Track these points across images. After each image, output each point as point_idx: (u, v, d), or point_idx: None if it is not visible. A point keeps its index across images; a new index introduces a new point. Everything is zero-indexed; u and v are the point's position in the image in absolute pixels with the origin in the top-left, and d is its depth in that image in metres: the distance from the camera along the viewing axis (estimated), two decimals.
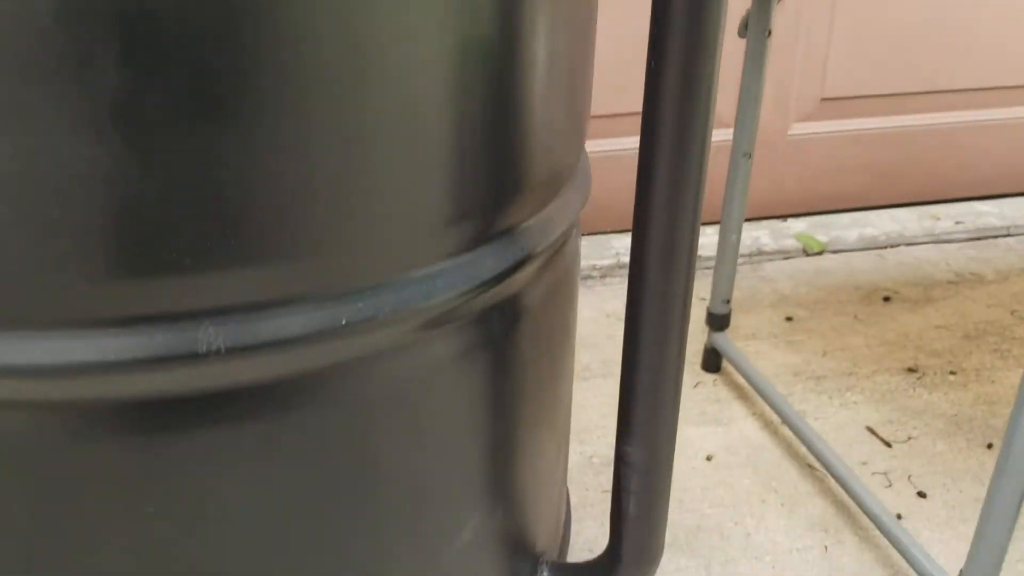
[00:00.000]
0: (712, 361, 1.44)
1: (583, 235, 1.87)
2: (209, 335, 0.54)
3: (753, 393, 1.38)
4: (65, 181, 0.48)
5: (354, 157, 0.54)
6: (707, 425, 1.32)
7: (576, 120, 0.72)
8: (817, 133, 1.90)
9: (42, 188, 0.48)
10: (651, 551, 0.79)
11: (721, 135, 1.84)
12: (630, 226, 0.70)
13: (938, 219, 1.96)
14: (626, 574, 0.80)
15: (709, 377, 1.43)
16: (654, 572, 0.81)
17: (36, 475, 0.56)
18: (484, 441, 0.71)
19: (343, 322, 0.57)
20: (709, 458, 1.25)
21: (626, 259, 1.78)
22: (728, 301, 1.38)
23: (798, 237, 1.87)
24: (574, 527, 1.13)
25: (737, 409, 1.35)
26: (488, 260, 0.64)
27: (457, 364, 0.66)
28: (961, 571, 0.92)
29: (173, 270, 0.52)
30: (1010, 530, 0.88)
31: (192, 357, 0.54)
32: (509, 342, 0.70)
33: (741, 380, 1.41)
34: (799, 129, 1.89)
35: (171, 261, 0.52)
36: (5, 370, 0.52)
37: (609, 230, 1.87)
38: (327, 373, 0.60)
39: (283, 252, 0.54)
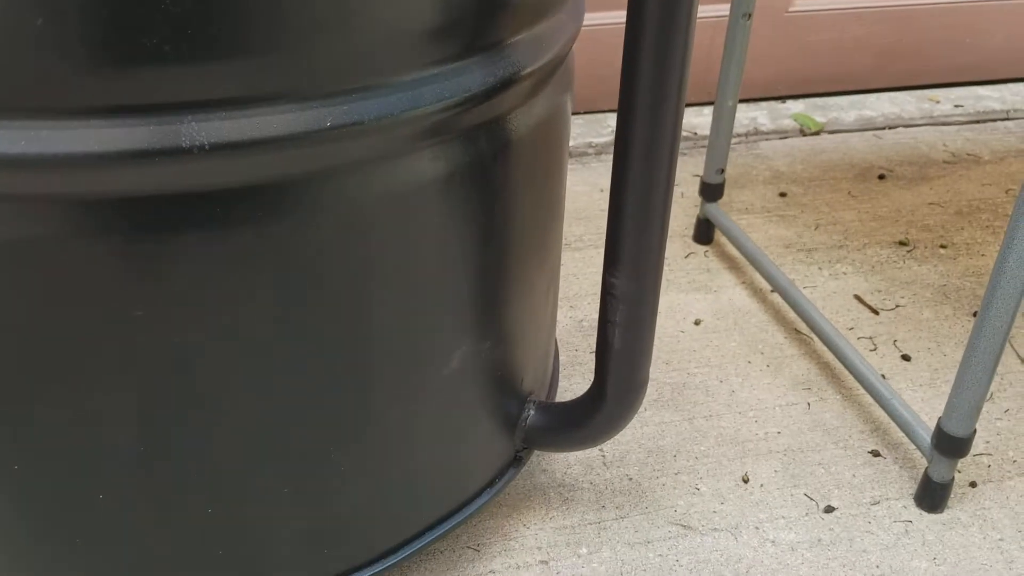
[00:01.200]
0: (704, 233, 1.44)
1: (579, 113, 1.84)
2: (192, 130, 0.54)
3: (743, 263, 1.39)
4: None
5: None
6: (696, 292, 1.33)
7: None
8: (818, 10, 1.86)
9: None
10: (635, 384, 0.80)
11: (721, 9, 1.80)
12: None
13: (937, 102, 1.94)
14: (611, 408, 0.82)
15: (700, 248, 1.43)
16: (638, 405, 0.82)
17: (21, 272, 0.56)
18: (472, 266, 0.71)
19: (328, 123, 0.57)
20: (697, 322, 1.26)
21: None
22: (722, 171, 1.37)
23: (795, 117, 1.85)
24: (563, 384, 1.14)
25: (727, 278, 1.36)
26: (476, 72, 0.63)
27: (445, 183, 0.66)
28: (939, 420, 0.94)
29: (154, 58, 0.51)
30: (987, 382, 0.89)
31: (176, 152, 0.54)
32: (498, 167, 0.70)
33: (732, 251, 1.42)
34: (801, 5, 1.85)
35: (152, 48, 0.51)
36: None
37: (605, 108, 1.85)
38: (313, 179, 0.59)
39: (266, 45, 0.53)
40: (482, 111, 0.65)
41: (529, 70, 0.68)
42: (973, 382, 0.90)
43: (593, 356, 1.19)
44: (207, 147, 0.54)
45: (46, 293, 0.58)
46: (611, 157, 1.71)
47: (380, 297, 0.66)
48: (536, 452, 0.99)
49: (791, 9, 1.85)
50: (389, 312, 0.68)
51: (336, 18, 0.55)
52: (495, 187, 0.70)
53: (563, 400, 0.93)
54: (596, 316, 1.27)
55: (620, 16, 1.77)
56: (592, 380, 1.13)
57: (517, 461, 0.89)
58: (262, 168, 0.57)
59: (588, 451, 1.03)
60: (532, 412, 0.88)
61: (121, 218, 0.56)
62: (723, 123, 1.33)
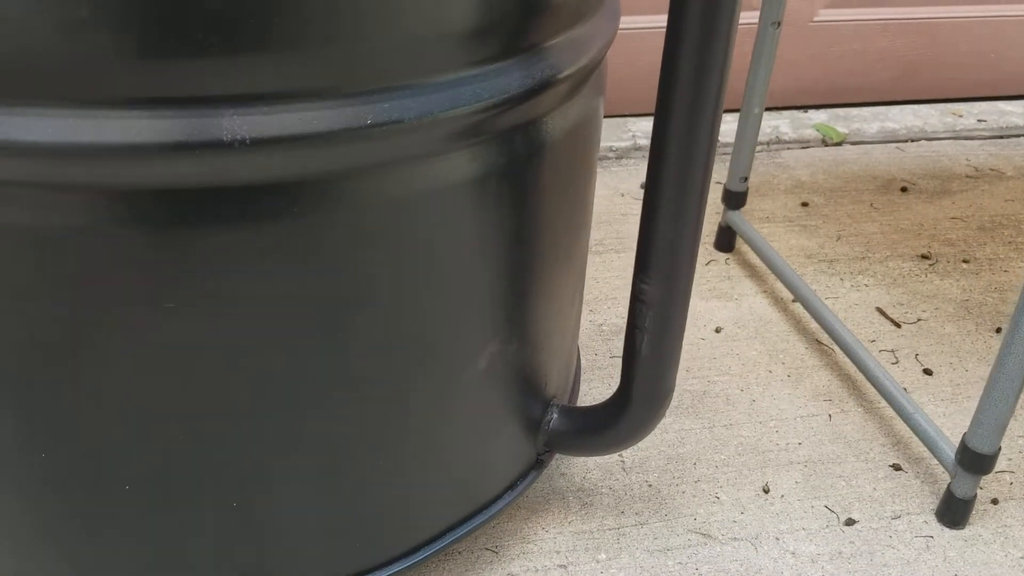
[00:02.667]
0: (726, 240, 1.43)
1: None
2: (234, 124, 0.54)
3: (764, 272, 1.38)
4: None
5: None
6: (717, 300, 1.32)
7: None
8: (843, 20, 1.86)
9: None
10: (662, 390, 0.80)
11: (746, 17, 1.80)
12: (647, 109, 0.68)
13: (960, 116, 1.93)
14: (636, 413, 0.81)
15: (722, 256, 1.43)
16: (664, 412, 0.82)
17: (60, 260, 0.56)
18: (503, 266, 0.71)
19: (368, 121, 0.57)
20: (718, 330, 1.25)
21: (643, 142, 1.77)
22: (746, 179, 1.36)
23: (818, 127, 1.85)
24: (583, 388, 1.14)
25: (748, 286, 1.35)
26: (514, 74, 0.63)
27: (480, 184, 0.65)
28: (964, 436, 0.93)
29: (200, 50, 0.51)
30: (1014, 400, 0.89)
31: (216, 145, 0.54)
32: (532, 169, 0.69)
33: (753, 260, 1.41)
34: (825, 15, 1.84)
35: (198, 41, 0.51)
36: (29, 148, 0.52)
37: (626, 113, 1.85)
38: (351, 177, 0.59)
39: (309, 40, 0.53)
40: (519, 113, 0.65)
41: (566, 73, 0.68)
42: (999, 399, 0.89)
43: (613, 361, 1.19)
44: (248, 141, 0.54)
45: (81, 282, 0.57)
46: (632, 161, 1.71)
47: (412, 295, 0.66)
48: (555, 456, 0.98)
49: (815, 19, 1.84)
50: (421, 310, 0.67)
51: (379, 16, 0.55)
52: (528, 189, 0.70)
53: (584, 404, 0.93)
54: (616, 320, 1.27)
55: (644, 21, 1.77)
56: (611, 385, 1.13)
57: (538, 464, 0.89)
58: (301, 164, 0.57)
59: (606, 457, 1.03)
60: (555, 415, 0.87)
61: (159, 210, 0.56)
62: (748, 131, 1.32)
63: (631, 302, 0.77)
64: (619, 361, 1.19)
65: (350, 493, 0.74)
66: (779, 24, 1.23)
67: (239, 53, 0.52)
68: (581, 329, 1.25)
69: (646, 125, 1.81)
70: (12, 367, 0.61)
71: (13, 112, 0.52)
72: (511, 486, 0.87)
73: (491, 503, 0.85)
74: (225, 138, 0.54)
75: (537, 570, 0.89)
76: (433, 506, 0.81)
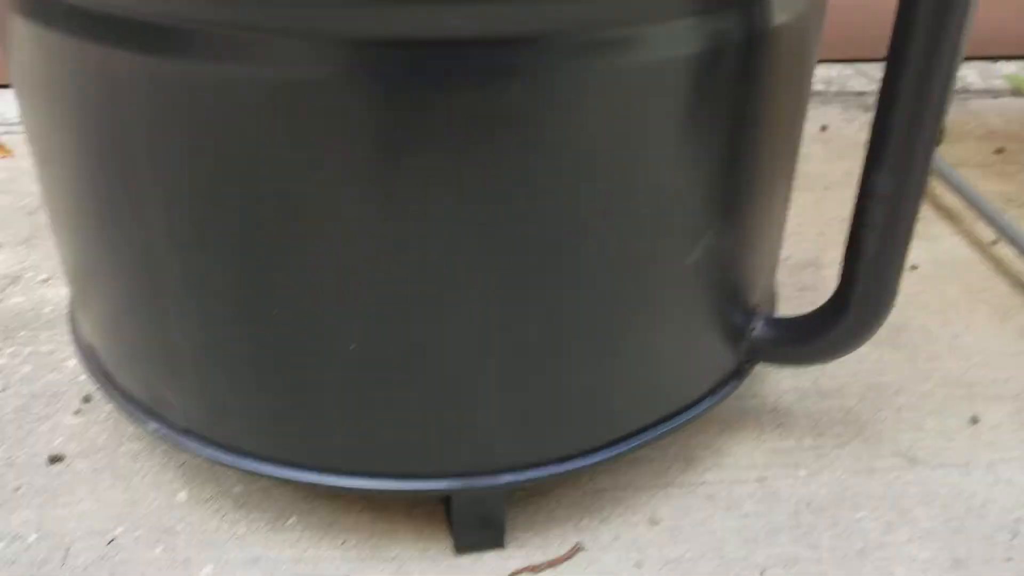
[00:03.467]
0: None
1: None
2: None
3: (961, 213, 1.31)
4: None
5: None
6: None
7: None
8: None
9: None
10: (885, 294, 0.76)
11: None
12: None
13: None
14: (854, 319, 0.78)
15: None
16: (884, 319, 0.78)
17: (304, 111, 0.58)
18: (725, 150, 0.69)
19: None
20: (914, 268, 1.20)
21: (819, 87, 1.70)
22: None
23: (1008, 78, 1.74)
24: None
25: (943, 227, 1.29)
26: None
27: (712, 58, 0.63)
28: None
29: None
30: None
31: None
32: (763, 48, 0.67)
33: (948, 201, 1.34)
34: None
35: None
36: None
37: None
38: (583, 39, 0.58)
39: None
40: None
41: None
42: None
43: (800, 293, 1.15)
44: None
45: (321, 134, 0.58)
46: (810, 105, 1.65)
47: (638, 169, 0.65)
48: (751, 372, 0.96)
49: None
50: (640, 188, 0.66)
51: None
52: (757, 70, 0.68)
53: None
54: (801, 255, 1.23)
55: None
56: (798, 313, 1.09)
57: (738, 374, 0.87)
58: (536, 19, 0.56)
59: (800, 381, 1.00)
60: (760, 324, 0.85)
61: (397, 63, 0.56)
62: None
63: (858, 200, 0.74)
64: (807, 293, 1.15)
65: (551, 379, 0.73)
66: None
67: None
68: None
69: (822, 71, 1.75)
70: (251, 220, 0.63)
71: None
72: (711, 391, 0.85)
73: (689, 407, 0.83)
74: None
75: (733, 481, 0.87)
76: (632, 402, 0.79)
